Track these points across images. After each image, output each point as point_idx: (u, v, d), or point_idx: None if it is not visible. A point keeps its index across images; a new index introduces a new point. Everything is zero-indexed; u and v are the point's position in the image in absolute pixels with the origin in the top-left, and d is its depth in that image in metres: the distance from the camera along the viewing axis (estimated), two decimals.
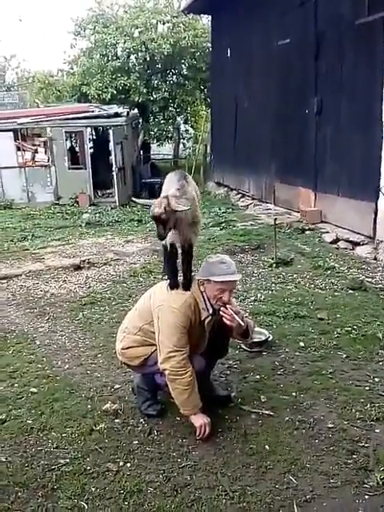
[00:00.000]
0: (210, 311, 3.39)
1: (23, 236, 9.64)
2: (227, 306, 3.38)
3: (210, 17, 16.14)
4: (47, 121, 13.68)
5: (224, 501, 2.84)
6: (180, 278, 3.49)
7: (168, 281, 3.48)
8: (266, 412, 3.65)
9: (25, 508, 2.82)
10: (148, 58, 18.23)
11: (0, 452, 3.28)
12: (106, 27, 18.34)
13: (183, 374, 3.26)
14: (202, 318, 3.38)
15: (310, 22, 9.38)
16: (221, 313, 3.37)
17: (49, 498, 2.88)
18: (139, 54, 18.19)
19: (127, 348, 3.58)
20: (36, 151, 13.96)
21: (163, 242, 3.45)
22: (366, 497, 2.85)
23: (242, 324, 3.41)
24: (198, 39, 18.40)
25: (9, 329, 5.33)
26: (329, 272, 6.80)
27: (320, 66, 9.25)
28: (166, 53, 17.75)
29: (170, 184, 3.39)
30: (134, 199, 3.38)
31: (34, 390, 4.05)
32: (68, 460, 3.19)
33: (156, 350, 3.39)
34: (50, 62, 46.64)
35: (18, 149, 13.75)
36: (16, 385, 4.15)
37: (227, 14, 13.43)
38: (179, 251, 3.52)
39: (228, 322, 3.37)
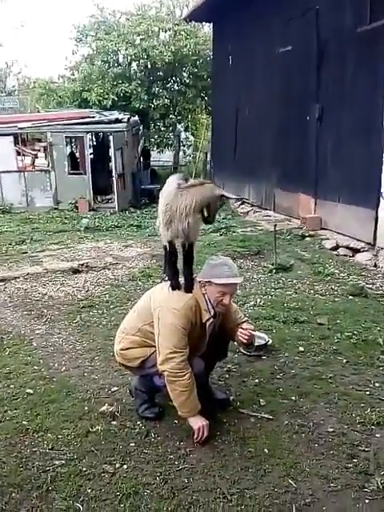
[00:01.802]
0: (212, 313, 3.35)
1: (22, 239, 9.60)
2: (244, 326, 3.48)
3: (211, 25, 16.21)
4: (48, 126, 13.65)
5: (222, 504, 2.79)
6: (181, 280, 3.45)
7: (169, 282, 3.44)
8: (265, 416, 3.61)
9: (19, 509, 2.76)
10: (149, 66, 18.27)
11: None
12: (107, 34, 18.41)
13: (182, 375, 3.22)
14: (204, 320, 3.34)
15: (312, 30, 9.40)
16: (239, 333, 3.46)
17: (44, 499, 2.83)
18: (140, 61, 18.21)
19: (126, 349, 3.53)
20: (36, 156, 13.95)
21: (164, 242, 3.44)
22: (367, 501, 2.80)
23: (254, 343, 3.57)
24: (200, 47, 18.47)
25: (5, 330, 5.28)
26: (329, 278, 6.78)
27: (322, 74, 9.27)
28: (167, 60, 17.80)
29: (168, 184, 3.41)
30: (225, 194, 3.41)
31: (30, 391, 4.00)
32: (63, 461, 3.14)
33: (155, 351, 3.35)
34: (52, 68, 46.71)
35: (18, 153, 13.73)
36: (12, 386, 4.10)
37: (229, 22, 13.48)
38: (179, 251, 3.48)
39: (245, 341, 3.47)
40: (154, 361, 3.36)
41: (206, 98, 19.51)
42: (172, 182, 3.39)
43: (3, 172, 13.62)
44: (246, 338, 3.46)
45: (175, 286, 3.38)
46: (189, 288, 3.37)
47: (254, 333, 3.58)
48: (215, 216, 3.38)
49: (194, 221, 3.25)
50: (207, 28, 18.90)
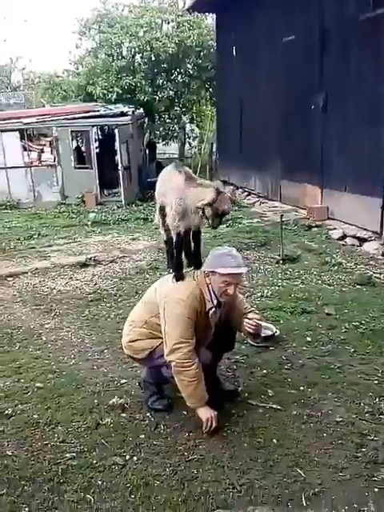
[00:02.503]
0: (215, 303, 3.37)
1: (30, 235, 9.63)
2: (250, 315, 3.50)
3: (214, 15, 16.12)
4: (53, 120, 13.65)
5: (231, 494, 2.82)
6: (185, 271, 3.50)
7: (173, 273, 3.47)
8: (274, 406, 3.63)
9: (31, 501, 2.81)
10: (153, 58, 18.19)
11: (6, 446, 3.28)
12: (110, 27, 18.33)
13: (189, 365, 3.24)
14: (206, 309, 3.36)
15: (315, 18, 9.34)
16: (245, 323, 3.46)
17: (55, 491, 2.87)
18: (144, 53, 18.14)
19: (133, 341, 3.56)
20: (42, 151, 13.94)
21: (168, 235, 3.51)
22: (376, 490, 2.82)
23: (261, 334, 3.63)
24: (203, 38, 18.38)
25: (15, 325, 5.32)
26: (336, 268, 6.77)
27: (325, 62, 9.21)
28: (171, 52, 17.72)
29: (172, 176, 3.46)
30: None
31: (40, 385, 4.04)
32: (74, 454, 3.18)
33: (162, 342, 3.38)
34: (56, 63, 46.71)
35: (25, 149, 13.74)
36: (22, 380, 4.14)
37: (232, 13, 13.39)
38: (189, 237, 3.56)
39: (251, 331, 3.47)
40: (161, 352, 3.38)
41: (210, 89, 19.42)
42: (173, 173, 3.44)
43: (10, 167, 13.64)
44: (253, 327, 3.47)
45: (179, 277, 3.41)
46: (199, 265, 3.45)
47: (260, 322, 3.58)
48: (214, 222, 3.33)
49: (199, 217, 3.35)
50: (210, 19, 18.77)
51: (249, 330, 3.48)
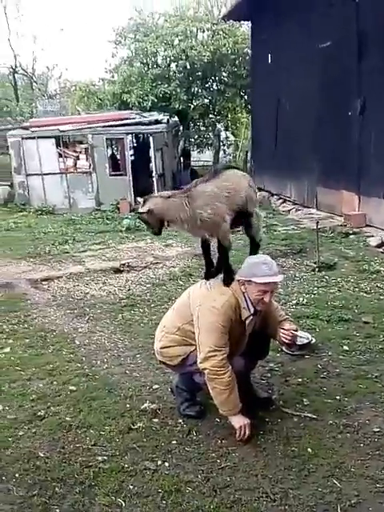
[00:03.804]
0: (251, 311, 3.32)
1: (64, 240, 9.73)
2: (286, 326, 3.46)
3: (249, 23, 16.10)
4: (88, 128, 13.83)
5: (265, 503, 2.75)
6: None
7: (207, 280, 3.46)
8: (309, 415, 3.54)
9: (62, 503, 2.80)
10: (188, 66, 18.24)
11: (38, 447, 3.28)
12: (146, 36, 18.47)
13: (223, 373, 3.20)
14: (243, 318, 3.31)
15: (352, 23, 9.23)
16: (281, 334, 3.44)
17: (86, 494, 2.85)
18: (179, 61, 18.21)
19: (166, 347, 3.53)
20: (77, 158, 14.13)
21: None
22: None
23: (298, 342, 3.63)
24: (239, 46, 18.33)
25: (49, 329, 5.36)
26: (374, 276, 6.61)
27: (363, 67, 9.08)
28: (206, 60, 17.73)
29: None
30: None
31: (73, 388, 4.05)
32: (106, 457, 3.16)
33: (194, 349, 3.34)
34: (92, 71, 47.33)
35: (60, 155, 13.94)
36: (55, 383, 4.16)
37: (267, 20, 13.36)
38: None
39: (287, 342, 3.48)
40: (194, 359, 3.34)
41: (245, 96, 19.37)
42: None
43: (46, 174, 13.85)
44: (289, 338, 3.44)
45: (207, 276, 3.44)
46: (227, 282, 3.34)
47: (296, 333, 3.53)
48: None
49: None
50: (246, 27, 18.75)
51: (285, 340, 3.46)
